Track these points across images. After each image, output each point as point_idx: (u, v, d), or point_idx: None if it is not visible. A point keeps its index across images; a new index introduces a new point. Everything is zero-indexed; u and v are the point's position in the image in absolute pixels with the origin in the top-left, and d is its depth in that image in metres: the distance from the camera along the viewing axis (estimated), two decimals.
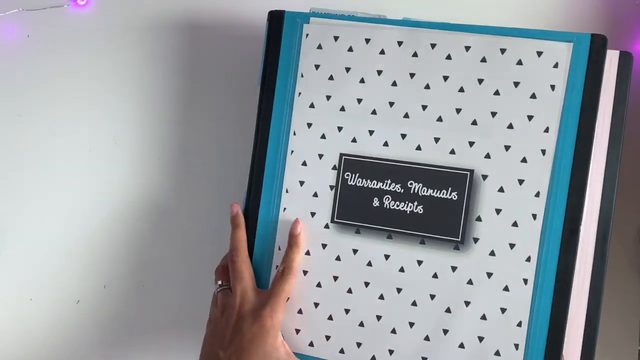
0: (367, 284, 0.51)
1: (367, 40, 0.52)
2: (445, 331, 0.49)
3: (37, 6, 0.66)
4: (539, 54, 0.47)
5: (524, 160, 0.47)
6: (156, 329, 0.64)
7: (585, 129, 0.47)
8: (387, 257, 0.50)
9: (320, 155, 0.53)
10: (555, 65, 0.47)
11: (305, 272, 0.53)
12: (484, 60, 0.49)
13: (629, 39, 0.57)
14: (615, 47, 0.48)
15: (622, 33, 0.57)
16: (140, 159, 0.65)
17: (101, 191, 0.65)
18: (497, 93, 0.48)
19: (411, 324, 0.50)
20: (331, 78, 0.52)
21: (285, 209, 0.53)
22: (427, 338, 0.49)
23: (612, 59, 0.48)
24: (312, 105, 0.53)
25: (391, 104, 0.51)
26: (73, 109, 0.66)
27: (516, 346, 0.47)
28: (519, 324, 0.47)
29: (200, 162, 0.64)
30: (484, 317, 0.48)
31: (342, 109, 0.52)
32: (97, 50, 0.65)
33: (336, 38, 0.52)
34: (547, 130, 0.47)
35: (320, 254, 0.52)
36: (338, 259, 0.52)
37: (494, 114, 0.48)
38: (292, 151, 0.53)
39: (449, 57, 0.49)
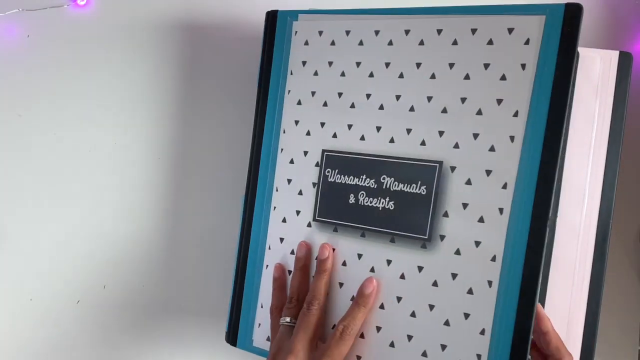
0: (341, 284, 0.49)
1: (347, 32, 0.50)
2: (410, 337, 0.45)
3: (37, 6, 0.66)
4: (510, 30, 0.43)
5: (492, 149, 0.43)
6: (156, 329, 0.64)
7: (557, 110, 0.41)
8: (360, 256, 0.48)
9: (305, 152, 0.52)
10: (527, 42, 0.43)
11: (289, 272, 0.52)
12: (455, 43, 0.45)
13: (629, 39, 0.57)
14: (615, 47, 0.48)
15: (622, 33, 0.57)
16: (140, 159, 0.65)
17: (101, 191, 0.65)
18: (467, 77, 0.45)
19: (378, 329, 0.47)
20: (316, 74, 0.52)
21: (275, 207, 0.53)
22: (392, 344, 0.46)
23: (612, 59, 0.48)
24: (299, 102, 0.52)
25: (368, 95, 0.49)
26: (73, 109, 0.66)
27: (478, 357, 0.42)
28: (482, 332, 0.42)
29: (200, 162, 0.64)
30: (447, 323, 0.44)
31: (325, 104, 0.51)
32: (97, 50, 0.65)
33: (320, 33, 0.51)
34: (516, 114, 0.43)
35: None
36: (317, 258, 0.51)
37: (463, 99, 0.45)
38: (282, 149, 0.53)
39: (421, 43, 0.47)
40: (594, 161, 0.48)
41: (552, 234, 0.49)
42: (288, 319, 0.49)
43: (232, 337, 0.55)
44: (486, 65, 0.44)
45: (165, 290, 0.64)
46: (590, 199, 0.48)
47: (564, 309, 0.48)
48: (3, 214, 0.66)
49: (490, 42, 0.44)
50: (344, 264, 0.49)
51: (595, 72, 0.49)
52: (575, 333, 0.48)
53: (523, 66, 0.43)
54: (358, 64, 0.50)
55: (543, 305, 0.48)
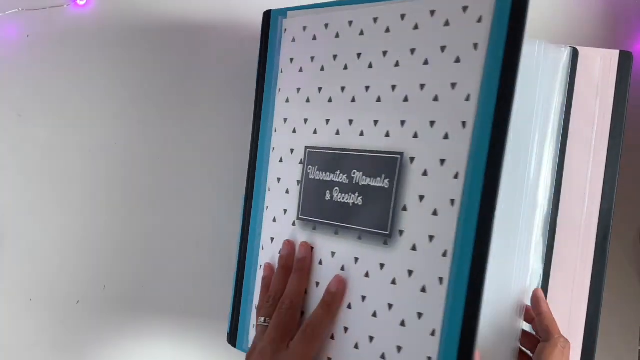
0: (317, 284, 0.48)
1: (326, 26, 0.49)
2: (371, 338, 0.43)
3: (37, 6, 0.66)
4: (465, 9, 0.41)
5: (446, 136, 0.41)
6: (156, 329, 0.64)
7: (505, 92, 0.38)
8: (333, 254, 0.47)
9: (292, 150, 0.51)
10: (479, 20, 0.40)
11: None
12: (416, 27, 0.43)
13: (629, 39, 0.57)
14: (616, 47, 0.48)
15: (622, 33, 0.57)
16: (140, 159, 0.65)
17: (101, 191, 0.65)
18: (426, 62, 0.43)
19: (346, 329, 0.45)
20: (301, 70, 0.51)
21: (267, 207, 0.53)
22: (356, 346, 0.44)
23: (612, 58, 0.48)
24: (287, 100, 0.52)
25: (343, 89, 0.48)
26: (73, 109, 0.66)
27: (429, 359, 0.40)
28: (433, 333, 0.40)
29: (201, 162, 0.64)
30: (403, 324, 0.42)
31: (308, 100, 0.50)
32: (97, 50, 0.65)
33: (304, 28, 0.51)
34: (468, 98, 0.40)
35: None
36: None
37: (422, 86, 0.43)
38: (274, 148, 0.53)
39: (387, 30, 0.45)
40: (594, 161, 0.48)
41: (553, 232, 0.49)
42: (262, 319, 0.48)
43: (233, 339, 0.55)
44: (443, 48, 0.42)
45: (165, 290, 0.64)
46: (590, 199, 0.48)
47: (564, 308, 0.48)
48: (3, 214, 0.66)
49: (447, 24, 0.42)
50: (320, 262, 0.48)
51: (595, 72, 0.49)
52: (575, 333, 0.48)
53: (475, 46, 0.40)
54: (335, 57, 0.48)
55: None
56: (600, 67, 0.49)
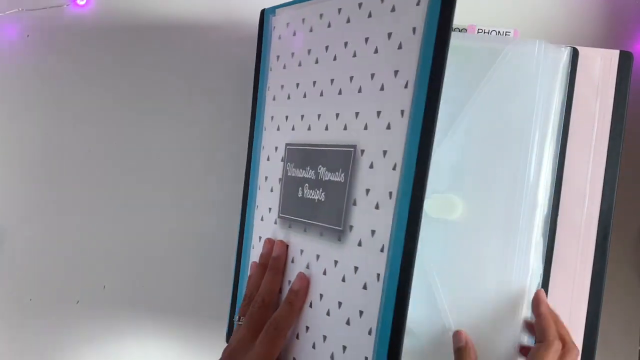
0: (290, 282, 0.46)
1: (303, 20, 0.49)
2: (325, 337, 0.42)
3: (37, 6, 0.66)
4: None
5: (388, 126, 0.40)
6: (156, 329, 0.64)
7: (434, 78, 0.37)
8: (301, 252, 0.46)
9: (276, 148, 0.50)
10: (418, 3, 0.39)
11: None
12: (370, 15, 0.42)
13: (629, 39, 0.57)
14: (616, 47, 0.48)
15: (622, 33, 0.57)
16: (139, 159, 0.65)
17: (101, 191, 0.65)
18: (376, 51, 0.42)
19: (307, 328, 0.44)
20: (284, 67, 0.50)
21: (257, 206, 0.53)
22: (313, 345, 0.43)
23: (612, 58, 0.48)
24: (274, 99, 0.52)
25: (314, 83, 0.46)
26: (73, 109, 0.66)
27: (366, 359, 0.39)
28: (370, 331, 0.38)
29: (200, 162, 0.64)
30: (348, 322, 0.40)
31: (289, 97, 0.49)
32: (97, 50, 0.65)
33: (288, 25, 0.50)
34: (406, 85, 0.39)
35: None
36: None
37: (372, 75, 0.41)
38: (263, 147, 0.53)
39: (348, 21, 0.44)
40: (594, 161, 0.48)
41: (553, 232, 0.49)
42: (237, 317, 0.48)
43: (229, 337, 0.55)
44: (389, 35, 0.41)
45: (165, 290, 0.64)
46: (590, 199, 0.48)
47: (564, 308, 0.48)
48: (3, 214, 0.66)
49: (393, 9, 0.41)
50: (293, 260, 0.47)
51: (596, 72, 0.49)
52: (576, 332, 0.48)
53: (414, 30, 0.39)
54: (309, 51, 0.48)
55: None
56: (600, 67, 0.49)
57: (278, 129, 0.50)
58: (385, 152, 0.39)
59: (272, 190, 0.51)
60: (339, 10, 0.45)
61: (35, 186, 0.66)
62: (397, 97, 0.39)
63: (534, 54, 0.48)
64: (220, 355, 0.45)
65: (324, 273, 0.43)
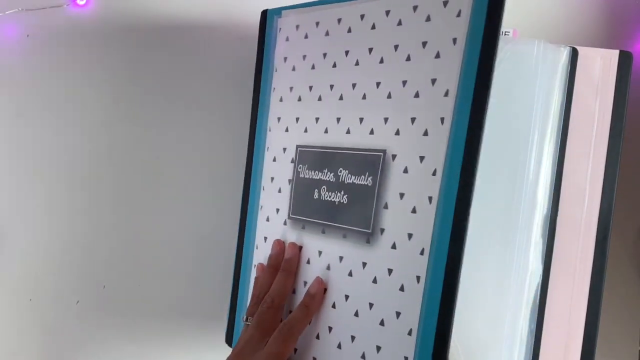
0: (305, 283, 0.48)
1: (317, 24, 0.49)
2: (353, 338, 0.43)
3: (37, 6, 0.66)
4: (445, 4, 0.41)
5: (425, 133, 0.41)
6: (156, 329, 0.64)
7: (480, 88, 0.38)
8: (320, 253, 0.47)
9: (284, 149, 0.51)
10: (458, 14, 0.40)
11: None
12: (399, 23, 0.43)
13: (629, 39, 0.57)
14: (615, 47, 0.48)
15: (622, 33, 0.57)
16: (140, 159, 0.65)
17: (101, 191, 0.65)
18: (408, 58, 0.43)
19: (330, 329, 0.45)
20: (294, 69, 0.51)
21: (262, 206, 0.53)
22: (339, 346, 0.44)
23: (612, 58, 0.48)
24: (281, 100, 0.52)
25: (331, 87, 0.47)
26: (72, 109, 0.66)
27: (406, 359, 0.40)
28: (410, 332, 0.40)
29: (200, 162, 0.64)
30: (382, 323, 0.42)
31: (299, 99, 0.50)
32: (97, 50, 0.65)
33: (297, 27, 0.51)
34: (446, 94, 0.40)
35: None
36: None
37: (404, 82, 0.43)
38: (268, 147, 0.53)
39: (373, 27, 0.45)
40: (594, 161, 0.48)
41: (553, 232, 0.49)
42: (244, 317, 0.48)
43: (230, 338, 0.55)
44: (424, 44, 0.42)
45: (165, 290, 0.64)
46: (590, 198, 0.48)
47: (564, 308, 0.48)
48: (3, 214, 0.66)
49: (428, 19, 0.42)
50: (308, 262, 0.48)
51: (595, 71, 0.49)
52: (575, 332, 0.48)
53: (454, 41, 0.40)
54: (324, 55, 0.48)
55: (544, 304, 0.48)
56: (600, 67, 0.49)
57: (286, 130, 0.51)
58: (422, 158, 0.40)
59: (280, 191, 0.51)
60: (362, 16, 0.46)
61: (35, 186, 0.66)
62: (435, 104, 0.40)
63: (533, 53, 0.48)
64: (221, 356, 0.45)
65: (350, 274, 0.44)
